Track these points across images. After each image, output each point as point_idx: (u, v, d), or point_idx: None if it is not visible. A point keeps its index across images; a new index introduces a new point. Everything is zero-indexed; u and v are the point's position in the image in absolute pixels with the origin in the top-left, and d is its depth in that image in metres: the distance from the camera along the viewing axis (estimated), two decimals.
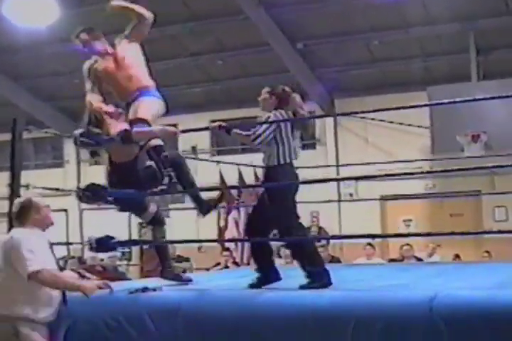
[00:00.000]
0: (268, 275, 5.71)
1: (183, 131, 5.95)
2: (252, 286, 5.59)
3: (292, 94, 5.89)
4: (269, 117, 5.66)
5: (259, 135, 5.59)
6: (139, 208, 6.10)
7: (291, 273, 5.77)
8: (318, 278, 5.38)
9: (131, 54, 6.06)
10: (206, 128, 6.16)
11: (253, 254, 6.05)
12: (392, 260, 12.78)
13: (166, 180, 5.95)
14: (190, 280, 6.14)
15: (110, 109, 5.98)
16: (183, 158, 6.26)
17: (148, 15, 6.01)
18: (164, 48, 14.92)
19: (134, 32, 6.08)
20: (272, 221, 5.63)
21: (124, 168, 5.84)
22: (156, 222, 6.19)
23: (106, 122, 5.91)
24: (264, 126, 5.59)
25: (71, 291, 4.90)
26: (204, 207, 6.09)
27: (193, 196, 6.12)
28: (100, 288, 4.86)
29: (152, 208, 6.13)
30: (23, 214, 4.95)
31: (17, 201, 5.08)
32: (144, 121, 5.71)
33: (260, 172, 6.55)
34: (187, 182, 6.03)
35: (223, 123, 6.06)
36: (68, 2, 13.29)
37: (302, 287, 5.29)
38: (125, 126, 5.80)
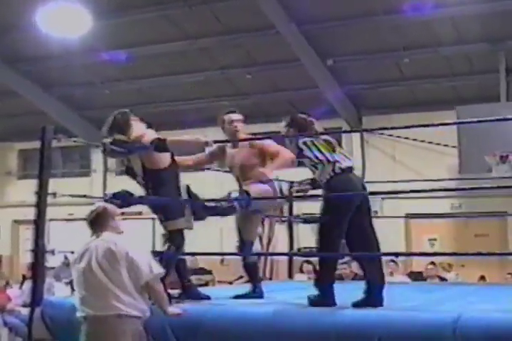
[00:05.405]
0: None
1: (216, 142, 5.94)
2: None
3: (312, 124, 5.78)
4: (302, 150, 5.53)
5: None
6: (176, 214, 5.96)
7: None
8: (373, 295, 5.19)
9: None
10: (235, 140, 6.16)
11: (320, 268, 5.49)
12: (413, 273, 12.75)
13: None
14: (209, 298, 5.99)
15: None
16: None
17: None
18: (194, 61, 14.99)
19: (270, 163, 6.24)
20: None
21: (158, 175, 5.82)
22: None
23: (130, 129, 5.88)
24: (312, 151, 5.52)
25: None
26: None
27: None
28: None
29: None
30: (100, 222, 5.00)
31: (92, 209, 5.04)
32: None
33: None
34: None
35: None
36: (100, 13, 13.41)
37: (356, 305, 5.12)
38: (155, 134, 5.81)
